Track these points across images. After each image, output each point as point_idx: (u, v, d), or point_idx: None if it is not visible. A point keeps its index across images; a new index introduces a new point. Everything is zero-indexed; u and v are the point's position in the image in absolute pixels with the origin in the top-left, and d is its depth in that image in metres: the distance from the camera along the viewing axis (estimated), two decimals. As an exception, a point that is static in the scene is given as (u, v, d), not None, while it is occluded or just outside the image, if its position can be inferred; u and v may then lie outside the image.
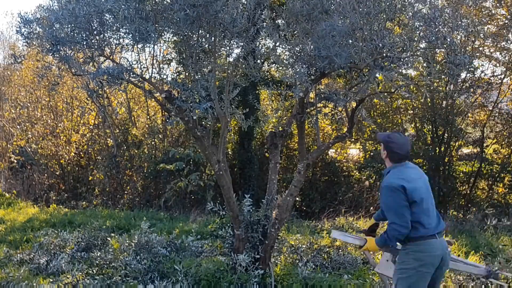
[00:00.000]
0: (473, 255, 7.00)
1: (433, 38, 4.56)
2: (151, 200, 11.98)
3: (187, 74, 6.27)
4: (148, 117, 13.31)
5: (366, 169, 12.17)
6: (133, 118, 13.18)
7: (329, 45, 4.85)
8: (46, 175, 13.26)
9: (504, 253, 7.41)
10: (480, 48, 11.32)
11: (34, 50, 9.83)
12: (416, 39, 4.75)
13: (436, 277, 3.89)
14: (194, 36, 5.33)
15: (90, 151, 13.36)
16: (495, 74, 11.97)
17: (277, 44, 5.88)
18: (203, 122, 6.34)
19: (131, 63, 5.49)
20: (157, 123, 13.02)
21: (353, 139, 12.14)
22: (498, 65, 11.66)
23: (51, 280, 5.91)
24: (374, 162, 12.00)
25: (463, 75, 10.97)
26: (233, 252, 5.76)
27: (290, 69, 5.57)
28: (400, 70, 5.18)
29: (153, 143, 12.61)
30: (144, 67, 5.58)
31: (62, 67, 5.32)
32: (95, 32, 5.12)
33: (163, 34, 5.46)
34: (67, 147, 13.08)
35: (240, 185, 11.32)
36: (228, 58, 5.87)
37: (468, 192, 11.99)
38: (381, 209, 4.17)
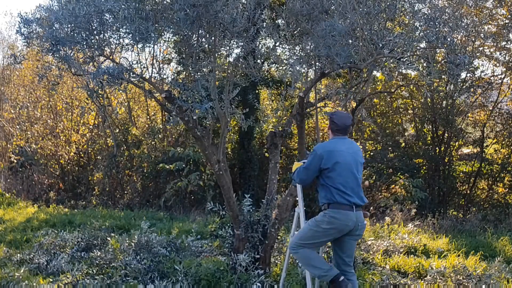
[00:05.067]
0: (473, 255, 6.99)
1: (433, 38, 4.56)
2: (151, 200, 11.97)
3: (187, 74, 6.28)
4: (148, 117, 13.31)
5: (366, 169, 12.16)
6: (133, 118, 13.17)
7: (329, 45, 4.85)
8: (45, 175, 13.26)
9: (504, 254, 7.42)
10: (480, 48, 11.32)
11: (34, 50, 9.84)
12: (416, 39, 4.75)
13: (343, 241, 4.40)
14: (194, 36, 5.33)
15: (90, 151, 13.36)
16: (495, 74, 11.98)
17: (277, 44, 5.88)
18: (203, 122, 6.33)
19: (131, 63, 5.49)
20: (157, 123, 13.02)
21: (353, 139, 12.14)
22: (498, 65, 11.66)
23: (51, 280, 5.90)
24: (374, 162, 12.00)
25: (463, 75, 10.97)
26: (233, 252, 5.76)
27: (290, 69, 5.57)
28: (400, 70, 5.19)
29: (153, 143, 12.61)
30: (144, 67, 5.58)
31: (62, 67, 5.31)
32: (95, 32, 5.11)
33: (163, 34, 5.47)
34: (67, 147, 13.08)
35: (240, 185, 11.32)
36: (228, 58, 5.87)
37: (468, 192, 11.99)
38: None
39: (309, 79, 6.02)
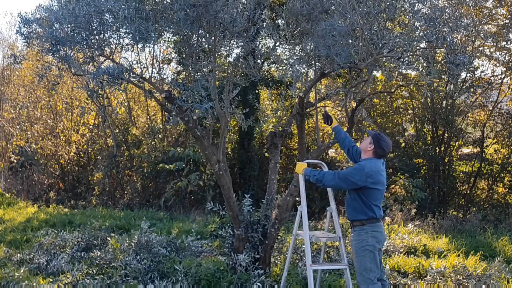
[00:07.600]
0: (473, 255, 6.99)
1: (433, 38, 4.56)
2: (151, 200, 11.97)
3: (187, 74, 6.27)
4: (148, 117, 13.31)
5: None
6: (133, 118, 13.17)
7: (329, 45, 4.85)
8: (45, 175, 13.25)
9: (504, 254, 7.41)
10: (480, 48, 11.32)
11: (34, 50, 9.84)
12: (416, 39, 4.75)
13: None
14: (194, 36, 5.33)
15: (90, 151, 13.36)
16: (495, 74, 11.98)
17: (277, 44, 5.89)
18: (203, 122, 6.33)
19: (131, 63, 5.49)
20: (157, 123, 13.02)
21: (353, 139, 12.13)
22: (498, 65, 11.66)
23: (51, 280, 5.90)
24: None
25: (463, 75, 10.97)
26: (233, 252, 5.76)
27: (290, 69, 5.57)
28: (400, 70, 5.20)
29: (153, 143, 12.61)
30: (144, 67, 5.58)
31: (62, 67, 5.31)
32: (95, 32, 5.11)
33: (163, 34, 5.46)
34: (67, 147, 13.07)
35: (240, 185, 11.32)
36: (228, 58, 5.88)
37: (468, 192, 11.98)
38: (352, 154, 4.98)
39: (309, 79, 6.03)
